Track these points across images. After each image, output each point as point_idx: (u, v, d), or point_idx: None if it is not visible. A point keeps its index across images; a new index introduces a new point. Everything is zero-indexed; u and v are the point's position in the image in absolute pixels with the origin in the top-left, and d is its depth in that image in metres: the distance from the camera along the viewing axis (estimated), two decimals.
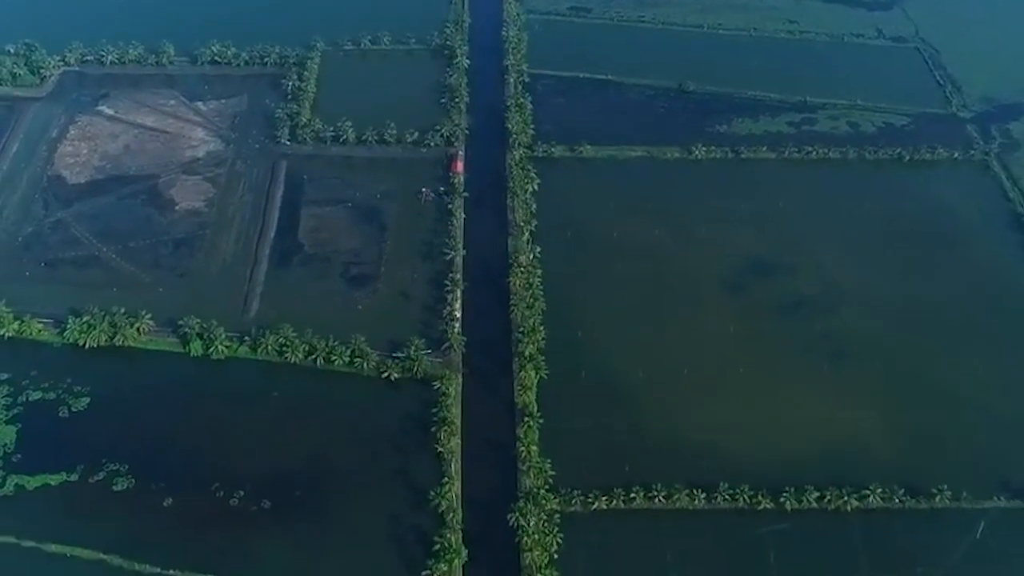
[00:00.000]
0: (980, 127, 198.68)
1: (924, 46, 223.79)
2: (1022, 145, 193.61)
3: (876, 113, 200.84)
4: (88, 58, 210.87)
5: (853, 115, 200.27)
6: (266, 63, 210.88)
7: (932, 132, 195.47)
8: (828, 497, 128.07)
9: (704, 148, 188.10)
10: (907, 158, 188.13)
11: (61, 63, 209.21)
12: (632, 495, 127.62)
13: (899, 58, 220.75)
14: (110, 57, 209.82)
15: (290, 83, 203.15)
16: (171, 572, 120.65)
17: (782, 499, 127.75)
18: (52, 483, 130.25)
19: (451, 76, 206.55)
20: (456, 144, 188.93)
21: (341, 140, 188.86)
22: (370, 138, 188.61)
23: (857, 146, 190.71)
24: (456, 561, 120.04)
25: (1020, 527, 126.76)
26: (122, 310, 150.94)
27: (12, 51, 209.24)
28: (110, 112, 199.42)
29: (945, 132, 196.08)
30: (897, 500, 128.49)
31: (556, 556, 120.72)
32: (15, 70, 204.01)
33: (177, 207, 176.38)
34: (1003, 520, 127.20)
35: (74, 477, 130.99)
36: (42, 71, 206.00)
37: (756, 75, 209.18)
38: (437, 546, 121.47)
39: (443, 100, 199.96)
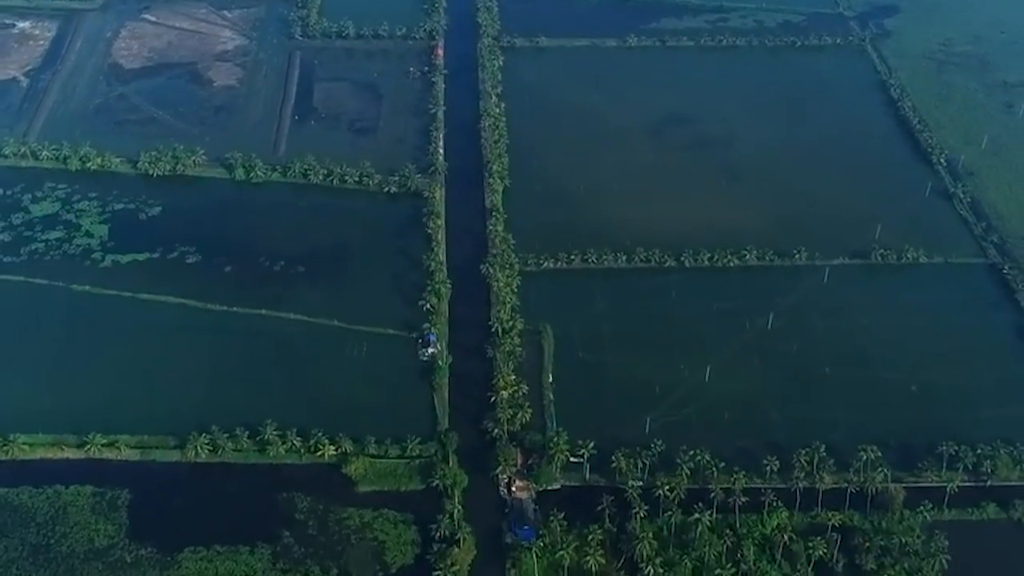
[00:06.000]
0: (860, 22, 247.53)
1: None
2: (892, 35, 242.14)
3: (778, 13, 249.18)
4: None
5: (759, 15, 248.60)
6: None
7: (821, 26, 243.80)
8: (716, 257, 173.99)
9: (636, 38, 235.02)
10: (799, 44, 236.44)
11: None
12: (572, 258, 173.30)
13: None
14: None
15: None
16: (235, 309, 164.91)
17: (682, 258, 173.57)
18: (139, 259, 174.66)
19: None
20: (437, 37, 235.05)
21: (344, 35, 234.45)
22: (367, 33, 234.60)
23: (760, 36, 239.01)
24: (443, 290, 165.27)
25: (852, 276, 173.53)
26: (181, 147, 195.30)
27: None
28: (153, 19, 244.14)
29: (832, 26, 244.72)
30: (768, 259, 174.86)
31: (516, 291, 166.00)
32: None
33: (215, 84, 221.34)
34: (842, 271, 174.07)
35: (155, 255, 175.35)
36: None
37: None
38: (429, 288, 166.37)
39: (425, 6, 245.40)
